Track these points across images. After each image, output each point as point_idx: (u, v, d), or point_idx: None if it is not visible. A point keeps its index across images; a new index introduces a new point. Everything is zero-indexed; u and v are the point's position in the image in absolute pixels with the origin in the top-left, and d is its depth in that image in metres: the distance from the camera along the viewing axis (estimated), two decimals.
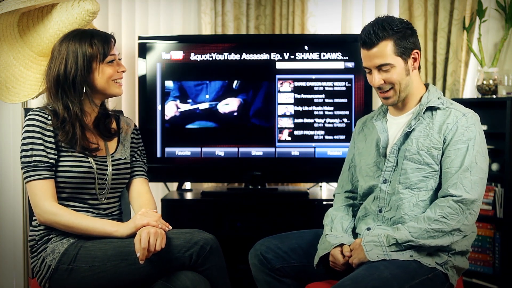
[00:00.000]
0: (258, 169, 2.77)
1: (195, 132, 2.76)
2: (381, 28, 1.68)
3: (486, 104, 2.87)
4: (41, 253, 1.70)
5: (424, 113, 1.73)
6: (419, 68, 1.79)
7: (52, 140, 1.73)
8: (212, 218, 2.69)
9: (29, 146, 1.70)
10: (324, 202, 2.69)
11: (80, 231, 1.69)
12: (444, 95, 2.98)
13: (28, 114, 1.75)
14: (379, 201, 1.76)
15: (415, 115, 1.73)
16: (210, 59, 2.75)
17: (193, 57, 2.75)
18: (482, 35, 2.96)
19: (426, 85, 1.81)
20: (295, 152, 2.76)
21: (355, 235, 1.83)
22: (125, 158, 1.89)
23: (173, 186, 3.12)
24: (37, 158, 1.70)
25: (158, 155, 2.75)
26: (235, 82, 2.75)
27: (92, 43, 1.77)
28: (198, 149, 2.76)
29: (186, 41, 2.78)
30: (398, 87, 1.72)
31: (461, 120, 1.68)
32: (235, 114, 2.75)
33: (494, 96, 2.87)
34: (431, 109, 1.74)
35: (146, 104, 2.74)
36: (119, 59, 1.85)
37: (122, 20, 3.13)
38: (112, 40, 1.82)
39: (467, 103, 2.92)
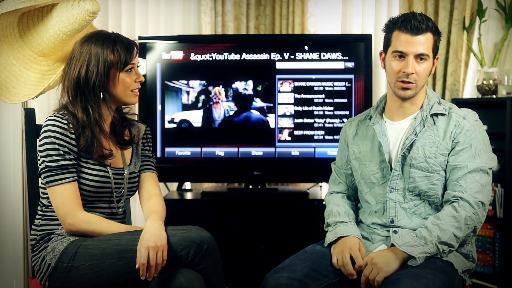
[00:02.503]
0: (258, 169, 2.77)
1: (195, 132, 2.76)
2: (430, 20, 1.69)
3: (486, 104, 2.86)
4: (41, 252, 1.71)
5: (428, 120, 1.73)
6: None
7: (75, 149, 1.70)
8: (212, 218, 2.69)
9: (54, 150, 1.66)
10: (324, 202, 2.68)
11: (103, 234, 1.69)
12: (444, 95, 3.02)
13: (48, 118, 1.70)
14: (389, 211, 1.74)
15: (418, 122, 1.72)
16: (210, 59, 2.75)
17: (193, 57, 2.75)
18: (482, 35, 2.96)
19: None
20: (295, 152, 2.76)
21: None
22: (138, 171, 1.87)
23: (173, 186, 3.12)
24: (65, 162, 1.66)
25: (158, 155, 2.75)
26: (235, 82, 2.75)
27: (114, 50, 1.72)
28: (198, 149, 2.76)
29: (186, 41, 2.78)
30: (420, 84, 1.71)
31: (462, 123, 1.69)
32: (235, 114, 2.75)
33: (494, 96, 2.87)
34: (433, 115, 1.74)
35: (146, 104, 2.74)
36: (138, 66, 1.81)
37: (122, 20, 3.13)
38: (135, 48, 1.78)
39: (467, 103, 2.93)
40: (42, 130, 1.70)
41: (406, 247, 1.60)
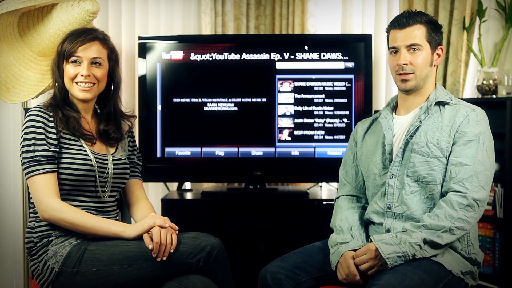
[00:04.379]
0: (258, 169, 2.77)
1: (195, 132, 2.76)
2: (417, 14, 1.77)
3: (486, 104, 2.84)
4: (42, 256, 1.70)
5: (432, 107, 1.75)
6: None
7: (54, 136, 1.73)
8: (212, 218, 2.69)
9: (31, 141, 1.69)
10: (324, 202, 2.68)
11: (85, 230, 1.69)
12: None
13: (29, 110, 1.75)
14: (387, 197, 1.75)
15: (423, 110, 1.75)
16: (210, 59, 2.75)
17: (193, 57, 2.75)
18: (482, 35, 2.96)
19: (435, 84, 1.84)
20: (295, 152, 2.76)
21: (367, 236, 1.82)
22: (125, 159, 1.90)
23: (173, 186, 3.12)
24: (39, 153, 1.69)
25: (158, 155, 2.75)
26: (235, 82, 2.75)
27: (64, 42, 1.80)
28: (198, 149, 2.76)
29: (186, 41, 2.78)
30: (420, 73, 1.75)
31: (471, 115, 1.70)
32: (235, 114, 2.75)
33: (494, 96, 2.87)
34: (439, 104, 1.76)
35: (146, 104, 2.74)
36: (95, 63, 1.79)
37: (122, 20, 3.12)
38: (83, 40, 1.77)
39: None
40: (25, 122, 1.74)
41: (381, 244, 1.61)
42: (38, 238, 1.72)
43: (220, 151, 2.75)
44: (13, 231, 2.64)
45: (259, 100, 2.75)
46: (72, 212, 1.68)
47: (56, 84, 1.81)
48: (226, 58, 2.75)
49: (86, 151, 1.77)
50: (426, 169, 1.70)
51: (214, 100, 2.74)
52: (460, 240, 1.69)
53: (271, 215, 2.69)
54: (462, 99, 2.91)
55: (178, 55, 2.75)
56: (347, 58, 2.74)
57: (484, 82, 2.90)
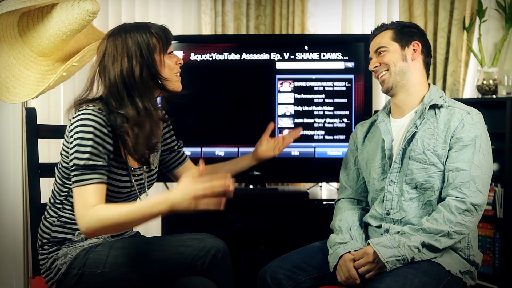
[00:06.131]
0: (258, 169, 2.77)
1: (195, 132, 2.76)
2: (387, 23, 1.84)
3: (486, 104, 2.87)
4: (52, 254, 1.68)
5: (427, 111, 1.74)
6: (428, 69, 1.82)
7: (110, 148, 1.58)
8: (212, 218, 2.69)
9: (88, 149, 1.52)
10: (324, 202, 2.68)
11: (129, 226, 1.66)
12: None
13: (87, 112, 1.55)
14: (386, 203, 1.75)
15: (418, 115, 1.74)
16: (210, 59, 2.75)
17: (193, 57, 2.75)
18: (482, 35, 2.96)
19: (428, 85, 1.83)
20: (295, 152, 2.76)
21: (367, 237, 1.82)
22: (156, 167, 1.84)
23: (173, 186, 3.12)
24: (98, 163, 1.53)
25: None
26: (235, 82, 2.75)
27: (153, 33, 1.62)
28: (198, 149, 2.76)
29: (186, 41, 2.78)
30: (393, 69, 1.77)
31: (466, 118, 1.68)
32: (235, 114, 2.75)
33: (494, 96, 2.88)
34: (434, 107, 1.75)
35: None
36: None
37: (122, 20, 3.13)
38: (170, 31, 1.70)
39: (467, 103, 2.91)
40: (81, 124, 1.54)
41: (380, 247, 1.61)
42: (54, 237, 1.68)
43: (220, 151, 2.75)
44: (13, 231, 2.64)
45: (259, 100, 2.75)
46: (118, 213, 1.47)
47: (160, 80, 1.62)
48: (226, 58, 2.75)
49: (127, 169, 1.67)
50: (423, 176, 1.70)
51: (214, 100, 2.74)
52: (460, 241, 1.69)
53: (271, 215, 2.68)
54: (461, 99, 2.93)
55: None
56: (347, 58, 2.74)
57: (484, 82, 2.90)
